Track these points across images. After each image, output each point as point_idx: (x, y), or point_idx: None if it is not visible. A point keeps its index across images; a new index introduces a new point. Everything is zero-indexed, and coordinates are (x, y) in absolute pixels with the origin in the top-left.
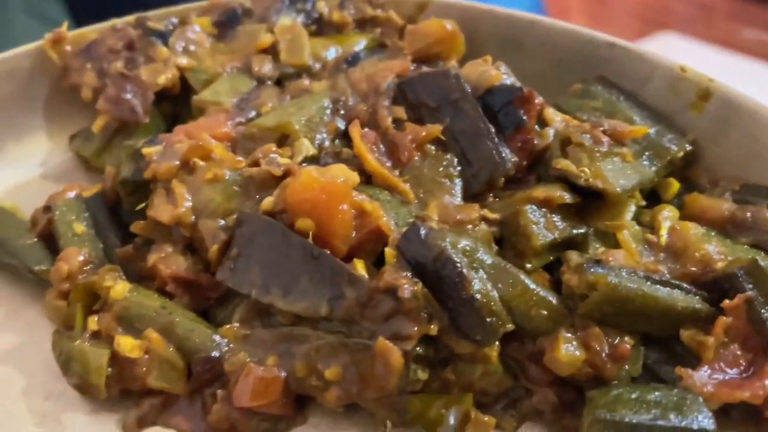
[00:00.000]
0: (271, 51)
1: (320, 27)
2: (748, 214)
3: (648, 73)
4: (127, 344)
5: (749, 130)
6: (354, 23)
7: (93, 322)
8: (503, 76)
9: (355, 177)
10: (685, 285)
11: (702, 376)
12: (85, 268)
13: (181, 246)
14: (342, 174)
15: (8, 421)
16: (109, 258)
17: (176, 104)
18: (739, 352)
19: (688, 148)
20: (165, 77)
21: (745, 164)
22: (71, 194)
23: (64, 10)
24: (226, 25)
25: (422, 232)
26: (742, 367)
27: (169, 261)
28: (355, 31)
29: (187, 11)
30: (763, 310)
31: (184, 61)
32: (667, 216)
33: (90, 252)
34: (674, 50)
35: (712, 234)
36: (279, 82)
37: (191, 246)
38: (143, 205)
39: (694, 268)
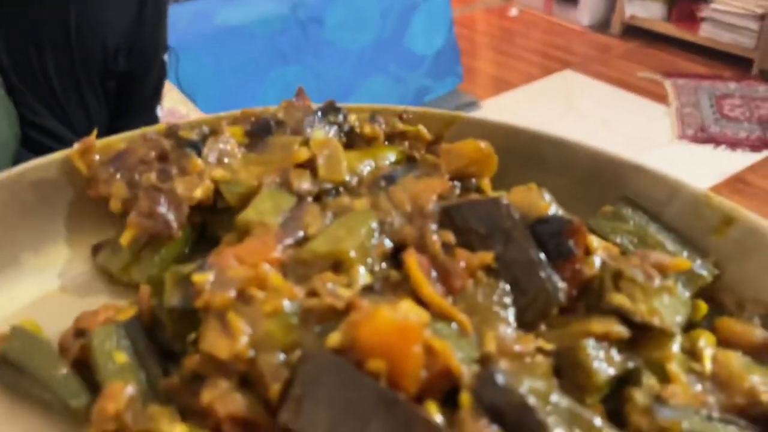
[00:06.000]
0: (308, 165)
1: (350, 140)
2: None
3: (670, 195)
4: None
5: None
6: (383, 137)
7: None
8: (551, 205)
9: (426, 315)
10: (741, 422)
11: None
12: (131, 406)
13: (236, 382)
14: (415, 313)
15: None
16: (153, 390)
17: (204, 212)
18: None
19: (715, 272)
20: (201, 191)
21: (766, 287)
22: (107, 317)
23: None
24: (258, 135)
25: (499, 378)
26: None
27: (226, 399)
28: (385, 145)
29: (218, 120)
30: None
31: (218, 173)
32: (707, 344)
33: (135, 386)
34: (575, 86)
35: (753, 363)
36: (317, 198)
37: (247, 382)
38: (194, 336)
39: (740, 401)
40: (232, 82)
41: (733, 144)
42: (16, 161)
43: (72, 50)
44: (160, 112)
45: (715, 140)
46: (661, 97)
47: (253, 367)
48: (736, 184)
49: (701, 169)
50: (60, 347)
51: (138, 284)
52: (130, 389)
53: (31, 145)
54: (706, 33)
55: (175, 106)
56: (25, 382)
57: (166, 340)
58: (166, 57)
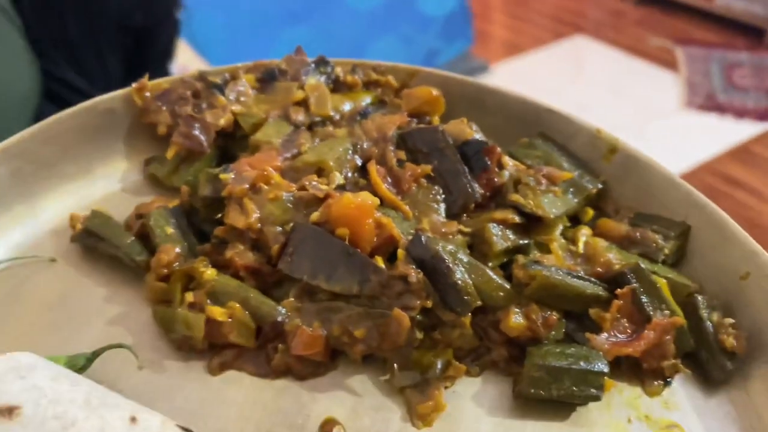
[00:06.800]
0: (303, 103)
1: (336, 86)
2: (638, 234)
3: (574, 131)
4: (217, 311)
5: (643, 176)
6: (361, 84)
7: (189, 296)
8: (475, 132)
9: (376, 200)
10: (593, 279)
11: (602, 339)
12: (177, 260)
13: (249, 245)
14: (369, 198)
15: (125, 366)
16: (192, 252)
17: (226, 139)
18: (626, 324)
19: (600, 186)
20: (224, 120)
21: (638, 199)
22: (158, 205)
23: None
24: (266, 81)
25: (423, 239)
26: (628, 334)
27: (241, 255)
28: (362, 90)
29: (236, 69)
30: (642, 297)
31: (236, 107)
32: (583, 233)
33: (180, 248)
34: (586, 52)
35: (613, 246)
36: (309, 128)
37: (256, 245)
38: (220, 215)
39: (599, 269)
40: (243, 41)
41: (740, 113)
42: (39, 112)
43: (91, 6)
44: (174, 68)
45: (722, 109)
46: (671, 65)
47: (260, 234)
48: (741, 154)
49: (707, 138)
50: (125, 225)
51: (177, 187)
52: (177, 249)
53: (52, 97)
54: (721, 1)
55: (187, 62)
56: (103, 245)
57: (199, 222)
58: (180, 14)
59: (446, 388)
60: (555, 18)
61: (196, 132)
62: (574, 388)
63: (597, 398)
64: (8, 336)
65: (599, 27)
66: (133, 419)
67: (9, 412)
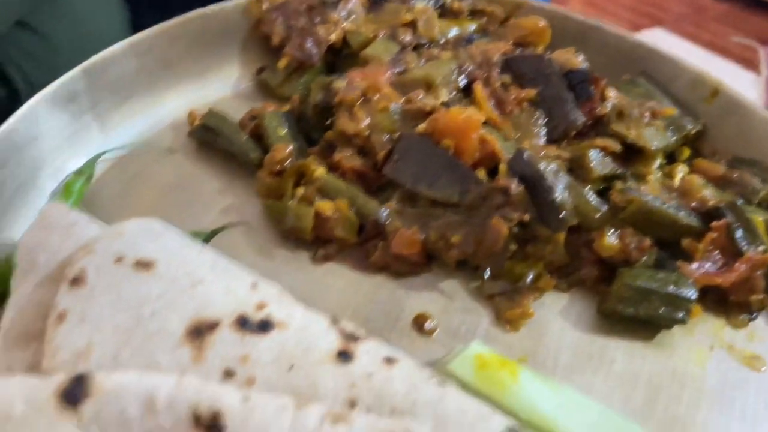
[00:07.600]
0: (411, 26)
1: (443, 12)
2: (735, 175)
3: (677, 73)
4: (325, 206)
5: (743, 120)
6: (467, 12)
7: (300, 191)
8: (581, 62)
9: (482, 117)
10: (688, 211)
11: (692, 268)
12: (289, 158)
13: (356, 150)
14: (475, 114)
15: (238, 251)
16: (302, 153)
17: (333, 55)
18: (718, 256)
19: (699, 127)
20: (335, 35)
21: (736, 142)
22: (272, 109)
23: None
24: (376, 1)
25: (525, 155)
26: (718, 265)
27: (349, 158)
28: (468, 18)
29: None
30: (737, 231)
31: (348, 25)
32: (680, 169)
33: (291, 147)
34: (664, 46)
35: (709, 184)
36: (415, 49)
37: (363, 151)
38: (330, 121)
39: (694, 204)
40: None
41: None
42: None
43: None
44: None
45: None
46: (753, 65)
47: (367, 141)
48: None
49: None
50: (239, 125)
51: (286, 97)
52: (290, 147)
53: None
54: None
55: None
56: (219, 141)
57: (308, 129)
58: None
59: (535, 299)
60: (633, 9)
61: (309, 45)
62: (661, 309)
63: (682, 321)
64: (132, 212)
65: (679, 21)
66: (254, 285)
67: (146, 266)
